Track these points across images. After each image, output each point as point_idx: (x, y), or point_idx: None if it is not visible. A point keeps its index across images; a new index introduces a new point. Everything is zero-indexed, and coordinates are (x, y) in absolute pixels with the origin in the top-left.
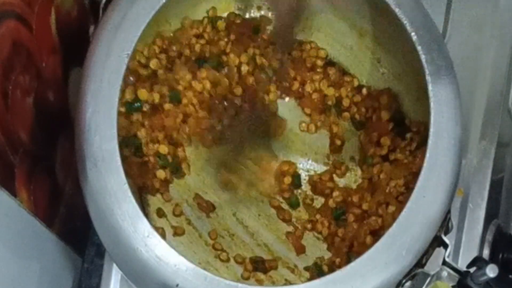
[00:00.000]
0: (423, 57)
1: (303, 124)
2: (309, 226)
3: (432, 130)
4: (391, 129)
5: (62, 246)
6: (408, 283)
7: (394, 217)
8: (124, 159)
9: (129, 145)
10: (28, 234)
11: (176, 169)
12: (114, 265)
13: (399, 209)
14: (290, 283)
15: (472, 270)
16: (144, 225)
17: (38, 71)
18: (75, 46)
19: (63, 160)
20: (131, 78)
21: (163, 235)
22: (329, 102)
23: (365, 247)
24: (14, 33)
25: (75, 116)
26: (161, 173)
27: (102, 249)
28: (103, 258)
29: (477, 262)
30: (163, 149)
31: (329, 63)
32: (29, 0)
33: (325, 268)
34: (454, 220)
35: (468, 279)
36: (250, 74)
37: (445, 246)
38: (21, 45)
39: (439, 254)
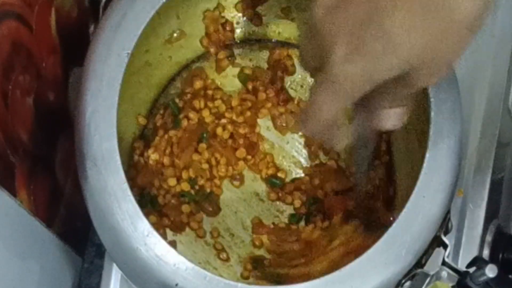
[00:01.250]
0: None
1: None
2: None
3: (432, 130)
4: None
5: (62, 246)
6: (407, 283)
7: None
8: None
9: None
10: (28, 234)
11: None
12: (114, 265)
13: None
14: None
15: (471, 270)
16: (144, 224)
17: (38, 71)
18: (75, 46)
19: (63, 160)
20: None
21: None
22: None
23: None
24: (14, 33)
25: (75, 116)
26: (186, 208)
27: (102, 249)
28: (103, 258)
29: (477, 262)
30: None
31: None
32: (29, 0)
33: None
34: (454, 220)
35: (467, 279)
36: None
37: (445, 246)
38: (21, 45)
39: (438, 254)
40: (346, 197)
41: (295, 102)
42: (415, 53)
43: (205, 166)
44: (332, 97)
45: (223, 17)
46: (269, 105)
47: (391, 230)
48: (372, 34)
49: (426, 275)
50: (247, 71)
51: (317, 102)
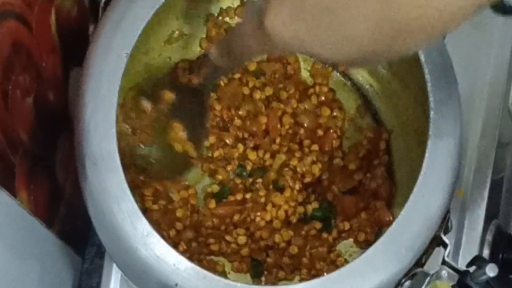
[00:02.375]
0: (422, 57)
1: None
2: None
3: (431, 129)
4: None
5: (62, 246)
6: (407, 283)
7: None
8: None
9: None
10: (28, 234)
11: None
12: (114, 265)
13: None
14: None
15: (471, 269)
16: (143, 224)
17: (38, 71)
18: (75, 46)
19: (63, 160)
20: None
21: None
22: None
23: None
24: (14, 33)
25: (74, 115)
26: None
27: (102, 249)
28: (103, 258)
29: (477, 261)
30: None
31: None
32: (29, 0)
33: None
34: (454, 220)
35: (468, 278)
36: None
37: (445, 245)
38: (21, 45)
39: (438, 253)
40: (356, 197)
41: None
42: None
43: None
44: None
45: (227, 22)
46: (294, 103)
47: (391, 230)
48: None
49: (426, 274)
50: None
51: (237, 40)
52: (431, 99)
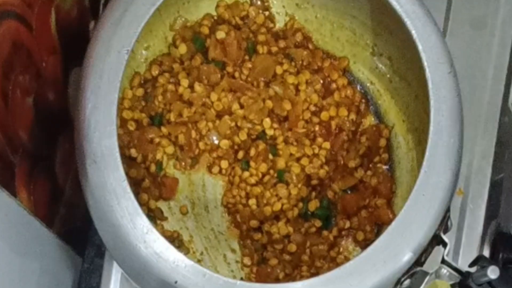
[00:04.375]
0: (423, 55)
1: None
2: None
3: (432, 128)
4: None
5: (62, 246)
6: (407, 281)
7: None
8: None
9: None
10: (28, 234)
11: None
12: (114, 265)
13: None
14: None
15: (474, 269)
16: (143, 221)
17: (38, 71)
18: (75, 46)
19: (63, 160)
20: None
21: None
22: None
23: None
24: (14, 33)
25: (75, 113)
26: None
27: (102, 249)
28: (103, 258)
29: (480, 261)
30: None
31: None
32: (29, 0)
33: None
34: (454, 220)
35: (469, 280)
36: None
37: (444, 244)
38: (21, 45)
39: (438, 252)
40: (357, 195)
41: None
42: None
43: None
44: None
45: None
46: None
47: (390, 228)
48: None
49: (425, 273)
50: None
51: None
52: (432, 97)
